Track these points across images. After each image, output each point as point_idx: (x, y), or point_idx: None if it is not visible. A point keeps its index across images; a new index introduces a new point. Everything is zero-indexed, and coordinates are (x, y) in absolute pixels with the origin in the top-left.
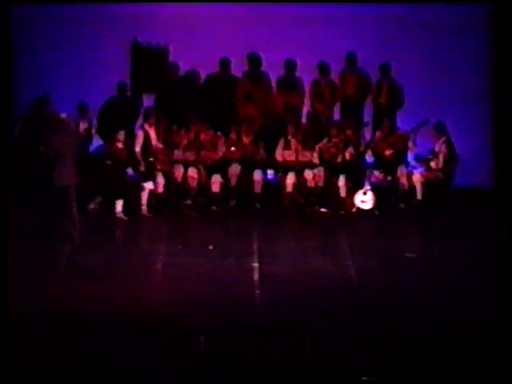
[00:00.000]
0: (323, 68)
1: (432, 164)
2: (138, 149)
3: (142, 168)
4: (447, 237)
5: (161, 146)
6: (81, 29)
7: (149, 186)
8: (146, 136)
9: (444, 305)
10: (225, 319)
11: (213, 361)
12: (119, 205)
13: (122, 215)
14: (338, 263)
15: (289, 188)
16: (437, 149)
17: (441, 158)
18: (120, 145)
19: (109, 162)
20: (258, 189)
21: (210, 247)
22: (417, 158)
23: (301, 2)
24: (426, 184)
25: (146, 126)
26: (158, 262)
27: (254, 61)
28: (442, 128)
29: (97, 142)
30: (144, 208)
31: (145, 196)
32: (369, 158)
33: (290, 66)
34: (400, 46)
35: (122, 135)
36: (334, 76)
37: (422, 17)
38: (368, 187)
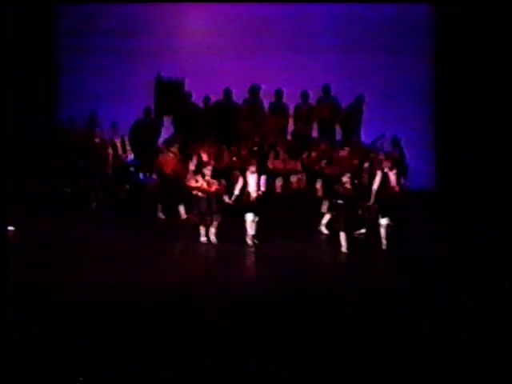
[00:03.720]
0: (304, 96)
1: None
2: (375, 186)
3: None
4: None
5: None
6: (115, 61)
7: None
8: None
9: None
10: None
11: (219, 329)
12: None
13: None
14: (318, 247)
15: (277, 189)
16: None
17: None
18: (348, 185)
19: (340, 202)
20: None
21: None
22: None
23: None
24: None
25: None
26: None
27: (255, 91)
28: (394, 142)
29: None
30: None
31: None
32: None
33: (279, 94)
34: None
35: (347, 177)
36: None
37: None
38: None
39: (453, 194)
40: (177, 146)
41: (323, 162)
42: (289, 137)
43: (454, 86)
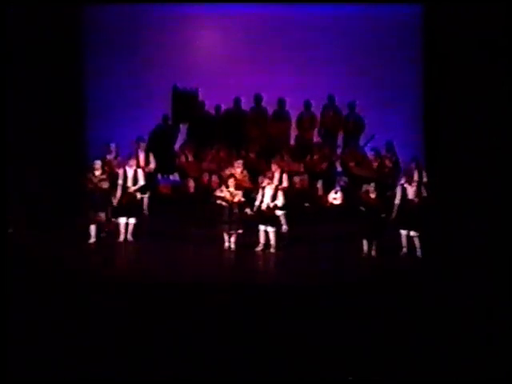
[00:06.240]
0: (306, 105)
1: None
2: (397, 201)
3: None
4: None
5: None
6: (137, 75)
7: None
8: None
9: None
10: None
11: (228, 312)
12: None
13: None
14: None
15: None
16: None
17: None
18: (373, 195)
19: (363, 209)
20: None
21: None
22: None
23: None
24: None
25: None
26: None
27: (258, 99)
28: (388, 147)
29: None
30: None
31: None
32: (339, 168)
33: (282, 103)
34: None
35: (372, 187)
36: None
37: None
38: (338, 188)
39: (442, 197)
40: (241, 161)
41: (352, 163)
42: (292, 142)
43: (444, 88)
